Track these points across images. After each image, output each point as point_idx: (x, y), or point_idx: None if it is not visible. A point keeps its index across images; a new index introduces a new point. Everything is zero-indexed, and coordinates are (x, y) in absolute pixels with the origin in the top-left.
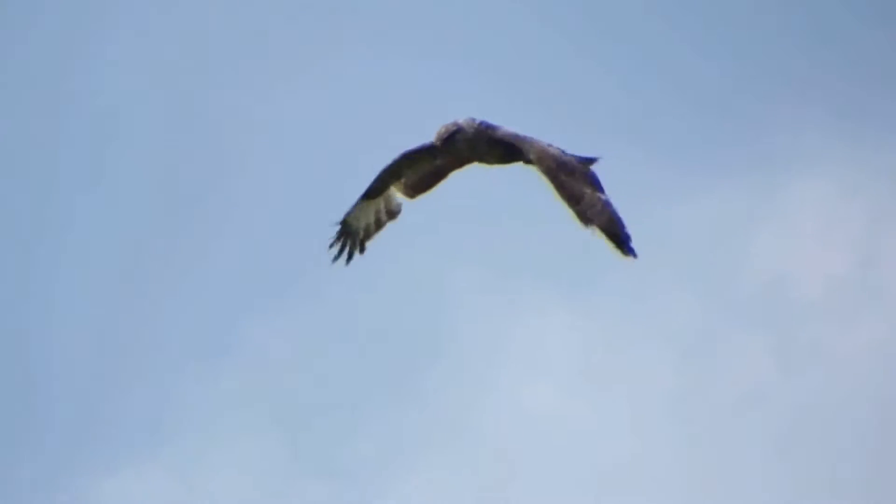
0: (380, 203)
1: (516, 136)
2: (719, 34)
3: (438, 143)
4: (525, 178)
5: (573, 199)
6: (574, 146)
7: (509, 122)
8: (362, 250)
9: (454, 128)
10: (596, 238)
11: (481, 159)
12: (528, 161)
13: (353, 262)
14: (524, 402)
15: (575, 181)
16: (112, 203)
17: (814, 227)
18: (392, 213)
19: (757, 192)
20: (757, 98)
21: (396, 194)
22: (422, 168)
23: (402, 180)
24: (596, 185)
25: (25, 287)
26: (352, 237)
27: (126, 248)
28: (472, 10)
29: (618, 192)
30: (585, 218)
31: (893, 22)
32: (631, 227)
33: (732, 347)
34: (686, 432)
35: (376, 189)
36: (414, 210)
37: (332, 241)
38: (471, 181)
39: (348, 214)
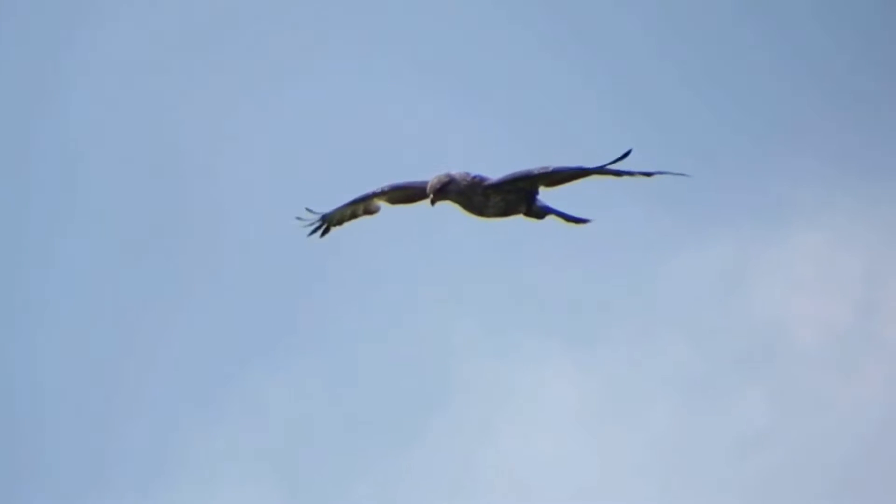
0: (359, 206)
1: (510, 174)
2: (720, 86)
3: (430, 193)
4: (527, 231)
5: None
6: (575, 199)
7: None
8: (325, 233)
9: (446, 179)
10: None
11: (481, 212)
12: (528, 210)
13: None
14: (525, 450)
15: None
16: (109, 251)
17: (812, 277)
18: (370, 213)
19: (756, 243)
20: (756, 149)
21: (378, 202)
22: (408, 195)
23: (387, 197)
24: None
25: (20, 332)
26: (325, 222)
27: (124, 295)
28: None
29: (618, 241)
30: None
31: (891, 75)
32: (630, 277)
33: (731, 396)
34: (686, 480)
35: (360, 199)
36: (418, 259)
37: (308, 223)
38: (475, 232)
39: (330, 213)
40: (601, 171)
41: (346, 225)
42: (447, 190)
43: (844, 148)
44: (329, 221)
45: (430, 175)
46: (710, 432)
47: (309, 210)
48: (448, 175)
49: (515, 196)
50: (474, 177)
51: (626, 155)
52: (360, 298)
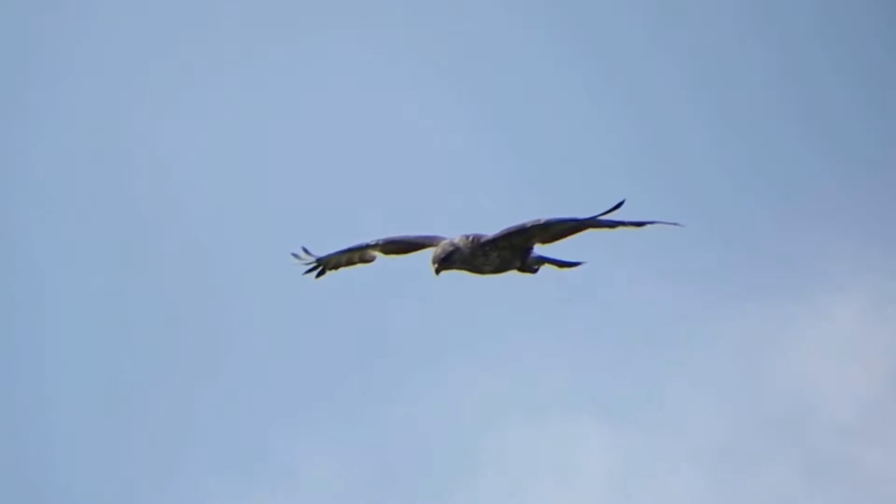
0: (355, 254)
1: (505, 229)
2: (748, 158)
3: (435, 264)
4: (555, 300)
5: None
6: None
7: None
8: (320, 275)
9: (451, 248)
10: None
11: (480, 271)
12: (522, 265)
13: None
14: None
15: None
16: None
17: (843, 350)
18: (365, 261)
19: (788, 317)
20: (787, 222)
21: (373, 252)
22: (402, 248)
23: (381, 248)
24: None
25: (44, 396)
26: (321, 265)
27: (155, 356)
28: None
29: (649, 314)
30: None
31: None
32: (662, 349)
33: (761, 466)
34: None
35: (356, 248)
36: (449, 327)
37: (302, 263)
38: (504, 292)
39: (325, 257)
40: (594, 222)
41: (342, 270)
42: (452, 260)
43: (873, 221)
44: (325, 265)
45: (429, 228)
46: (739, 497)
47: (305, 250)
48: (452, 244)
49: (510, 252)
50: (473, 238)
51: (619, 205)
52: (389, 365)
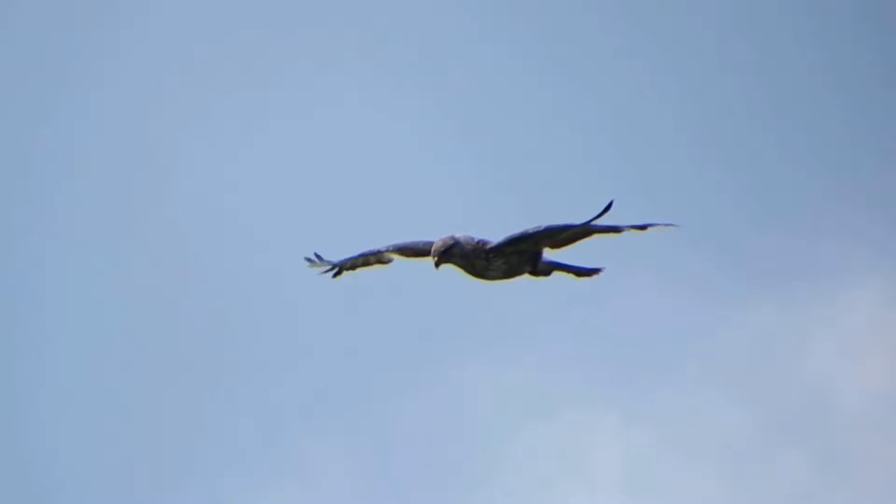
0: (371, 257)
1: (509, 236)
2: (771, 155)
3: (434, 256)
4: (574, 290)
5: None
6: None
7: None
8: (337, 275)
9: (451, 241)
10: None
11: (483, 276)
12: (533, 269)
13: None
14: None
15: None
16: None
17: (863, 340)
18: (382, 262)
19: (807, 303)
20: (806, 209)
21: (390, 255)
22: (413, 254)
23: (395, 253)
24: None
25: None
26: (338, 267)
27: (169, 352)
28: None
29: (671, 298)
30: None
31: None
32: (680, 337)
33: (777, 456)
34: None
35: (371, 252)
36: (464, 318)
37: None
38: (520, 289)
39: (342, 261)
40: (597, 228)
41: (359, 271)
42: (451, 253)
43: (889, 213)
44: (342, 267)
45: (435, 236)
46: (755, 493)
47: (318, 256)
48: (452, 238)
49: (518, 258)
50: (478, 241)
51: (608, 208)
52: (403, 362)
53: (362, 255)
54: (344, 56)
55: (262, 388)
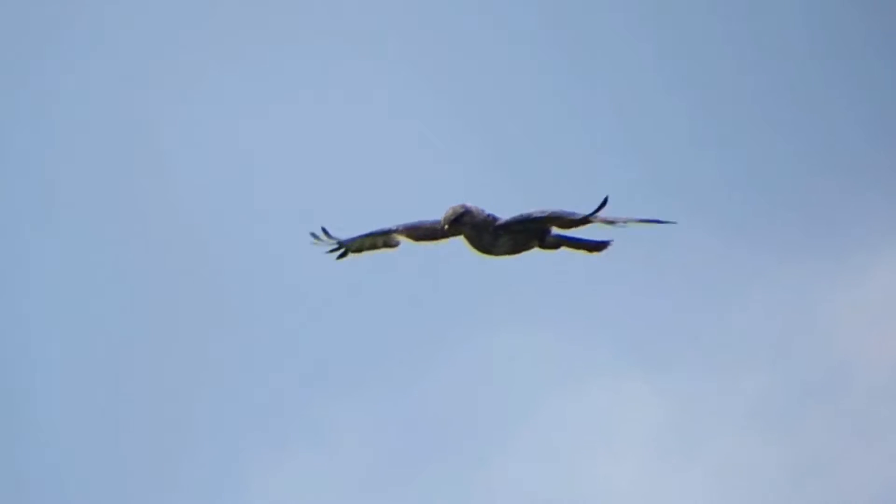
0: (379, 239)
1: (518, 215)
2: (793, 118)
3: (445, 225)
4: (602, 259)
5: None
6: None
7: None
8: (342, 256)
9: (462, 210)
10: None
11: (489, 251)
12: (541, 244)
13: None
14: (600, 480)
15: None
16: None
17: (887, 310)
18: (390, 246)
19: (831, 274)
20: (831, 183)
21: (397, 237)
22: (425, 233)
23: (404, 234)
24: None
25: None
26: (343, 247)
27: (193, 321)
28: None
29: (691, 270)
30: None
31: None
32: (703, 308)
33: (799, 426)
34: None
35: (378, 233)
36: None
37: (322, 244)
38: (554, 259)
39: (348, 240)
40: (599, 220)
41: (365, 254)
42: (462, 221)
43: None
44: (348, 248)
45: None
46: (776, 462)
47: (325, 231)
48: (464, 206)
49: (524, 236)
50: (488, 214)
51: (604, 202)
52: (430, 332)
53: (370, 235)
54: (345, 38)
55: (281, 355)
